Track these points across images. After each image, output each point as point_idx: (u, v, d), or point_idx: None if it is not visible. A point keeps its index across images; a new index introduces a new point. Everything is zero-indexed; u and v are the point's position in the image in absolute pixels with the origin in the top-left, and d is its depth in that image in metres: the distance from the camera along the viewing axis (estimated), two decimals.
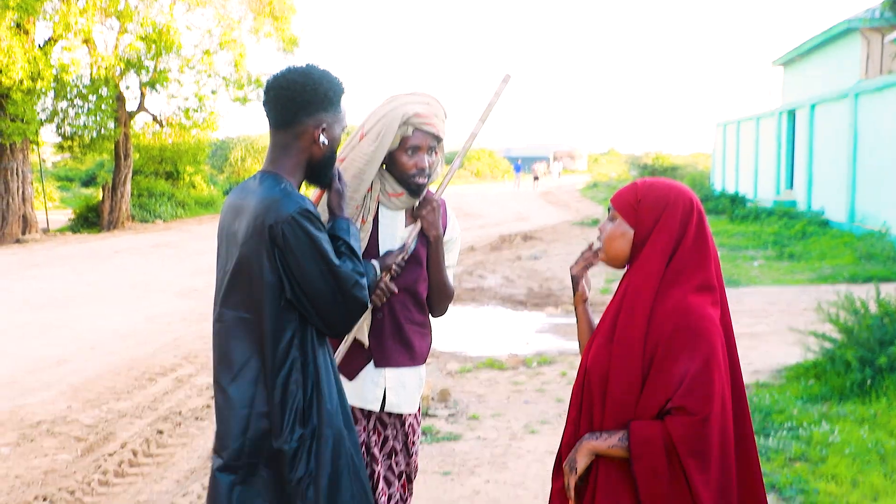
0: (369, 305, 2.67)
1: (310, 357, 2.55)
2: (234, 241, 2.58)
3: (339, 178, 2.81)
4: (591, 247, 2.71)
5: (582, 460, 2.42)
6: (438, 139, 3.13)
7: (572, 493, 2.47)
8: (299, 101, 2.58)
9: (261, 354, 2.52)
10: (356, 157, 3.04)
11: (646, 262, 2.42)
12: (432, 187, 3.27)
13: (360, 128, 3.13)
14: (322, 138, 2.61)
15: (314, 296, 2.51)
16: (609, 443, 2.38)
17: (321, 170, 2.68)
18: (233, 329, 2.57)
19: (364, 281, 2.61)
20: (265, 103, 2.66)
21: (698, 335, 2.32)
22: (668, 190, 2.46)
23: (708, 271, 2.40)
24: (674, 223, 2.41)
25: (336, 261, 2.53)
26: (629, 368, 2.36)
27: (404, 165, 3.07)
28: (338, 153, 2.64)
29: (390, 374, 3.14)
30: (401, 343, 3.15)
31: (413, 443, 3.26)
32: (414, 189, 3.11)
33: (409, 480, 3.28)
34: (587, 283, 2.76)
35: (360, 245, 2.80)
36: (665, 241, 2.40)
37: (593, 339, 2.53)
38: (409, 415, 3.23)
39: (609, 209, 2.56)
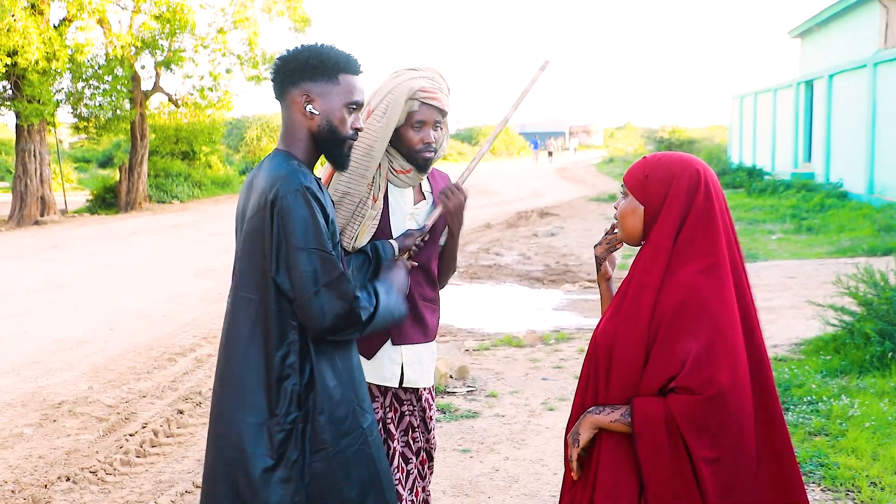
0: (358, 327, 2.54)
1: (310, 340, 2.53)
2: (243, 219, 2.60)
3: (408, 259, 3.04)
4: (613, 228, 2.70)
5: (585, 433, 2.43)
6: (444, 113, 3.13)
7: (575, 465, 2.48)
8: (284, 70, 2.62)
9: (263, 336, 2.51)
10: (365, 135, 3.04)
11: (655, 238, 2.40)
12: (458, 171, 3.28)
13: (366, 105, 3.13)
14: (309, 108, 2.59)
15: (295, 278, 2.45)
16: (611, 417, 2.37)
17: (328, 145, 2.65)
18: (238, 310, 2.57)
19: (359, 299, 2.52)
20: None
21: (703, 314, 2.29)
22: (675, 163, 2.43)
23: (718, 245, 2.35)
24: (680, 196, 2.38)
25: (327, 246, 2.48)
26: (634, 344, 2.35)
27: (411, 141, 3.07)
28: (340, 128, 2.63)
29: (406, 350, 3.16)
30: (415, 320, 3.16)
31: (430, 418, 3.28)
32: (421, 164, 3.11)
33: (430, 457, 3.30)
34: (611, 263, 2.76)
35: (390, 291, 2.72)
36: (673, 214, 2.37)
37: (605, 313, 2.53)
38: (425, 389, 3.25)
39: (622, 186, 2.55)
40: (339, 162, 2.70)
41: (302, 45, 2.65)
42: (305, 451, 2.52)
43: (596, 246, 2.77)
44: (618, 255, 2.79)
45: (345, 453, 2.56)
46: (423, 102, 3.06)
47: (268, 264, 2.48)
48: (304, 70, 2.60)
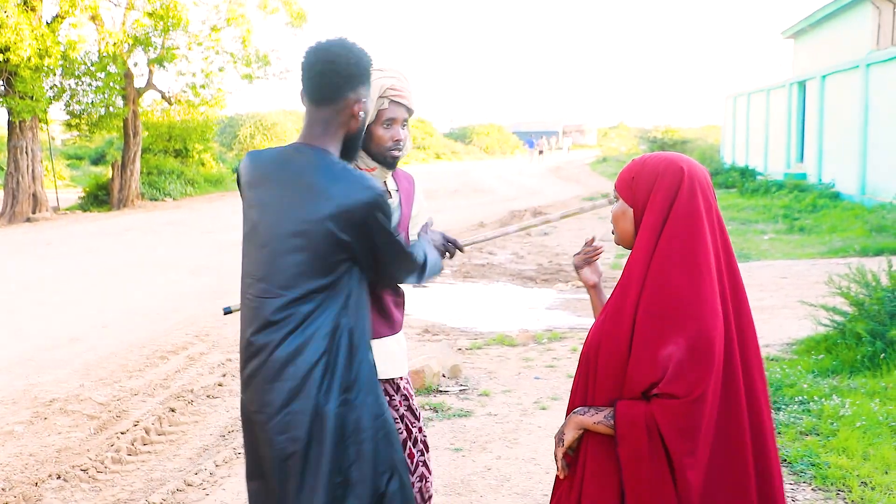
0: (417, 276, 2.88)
1: (355, 322, 2.61)
2: (292, 213, 2.57)
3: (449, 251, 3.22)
4: (591, 241, 2.79)
5: (569, 433, 2.44)
6: (410, 112, 3.16)
7: (559, 464, 2.49)
8: (344, 74, 2.60)
9: (334, 324, 2.55)
10: None
11: (639, 239, 2.40)
12: (468, 237, 3.40)
13: None
14: (361, 112, 2.65)
15: (388, 268, 2.72)
16: (595, 419, 2.38)
17: (353, 143, 2.72)
18: (296, 303, 2.57)
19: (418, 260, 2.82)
20: (308, 79, 2.64)
21: (683, 315, 2.28)
22: (659, 163, 2.42)
23: (701, 245, 2.33)
24: (661, 196, 2.37)
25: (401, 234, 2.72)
26: (617, 347, 2.35)
27: (381, 139, 3.07)
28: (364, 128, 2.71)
29: (375, 344, 3.16)
30: (381, 314, 3.17)
31: (416, 407, 3.32)
32: (390, 162, 3.12)
33: (427, 447, 3.32)
34: (594, 272, 2.81)
35: (431, 249, 3.03)
36: (655, 215, 2.37)
37: (599, 315, 2.54)
38: (402, 379, 3.28)
39: (615, 189, 2.56)
40: (353, 156, 2.78)
41: (348, 47, 2.64)
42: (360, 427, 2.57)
43: (575, 255, 2.84)
44: (608, 258, 2.83)
45: (377, 434, 2.62)
46: (392, 101, 3.07)
47: (334, 261, 2.55)
48: (363, 75, 2.64)
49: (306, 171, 2.59)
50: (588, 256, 2.78)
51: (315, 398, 2.51)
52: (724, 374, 2.36)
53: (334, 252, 2.54)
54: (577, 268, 2.82)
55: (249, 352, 2.60)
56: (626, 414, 2.31)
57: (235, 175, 2.68)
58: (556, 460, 2.49)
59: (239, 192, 2.79)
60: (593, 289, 2.79)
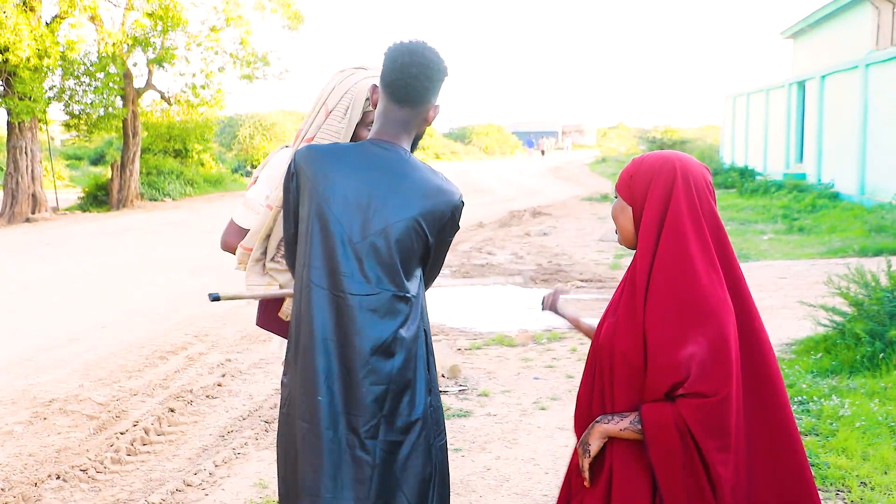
0: None
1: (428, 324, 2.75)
2: (382, 209, 2.59)
3: None
4: (553, 292, 3.04)
5: (595, 443, 2.42)
6: None
7: (587, 475, 2.46)
8: (435, 80, 2.64)
9: (410, 324, 2.63)
10: (326, 136, 3.03)
11: (641, 238, 2.40)
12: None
13: (320, 104, 3.10)
14: (434, 117, 2.69)
15: (440, 267, 2.82)
16: (621, 426, 2.36)
17: (414, 146, 2.75)
18: (385, 304, 2.59)
19: None
20: (398, 79, 2.61)
21: (697, 314, 2.28)
22: (655, 161, 2.42)
23: (704, 239, 2.34)
24: (658, 192, 2.37)
25: None
26: (632, 350, 2.34)
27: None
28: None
29: None
30: None
31: None
32: None
33: None
34: (564, 308, 2.99)
35: None
36: (653, 213, 2.37)
37: (605, 316, 2.52)
38: None
39: (615, 189, 2.57)
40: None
41: (433, 49, 2.66)
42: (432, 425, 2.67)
43: (543, 300, 3.02)
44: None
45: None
46: None
47: (418, 260, 2.64)
48: (444, 82, 2.69)
49: (393, 167, 2.62)
50: (553, 298, 2.99)
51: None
52: (749, 366, 2.37)
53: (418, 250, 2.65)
54: (551, 308, 2.98)
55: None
56: (653, 417, 2.30)
57: (291, 168, 2.59)
58: (584, 471, 2.46)
59: (290, 186, 2.71)
60: (577, 324, 2.94)
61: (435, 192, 2.59)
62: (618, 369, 2.38)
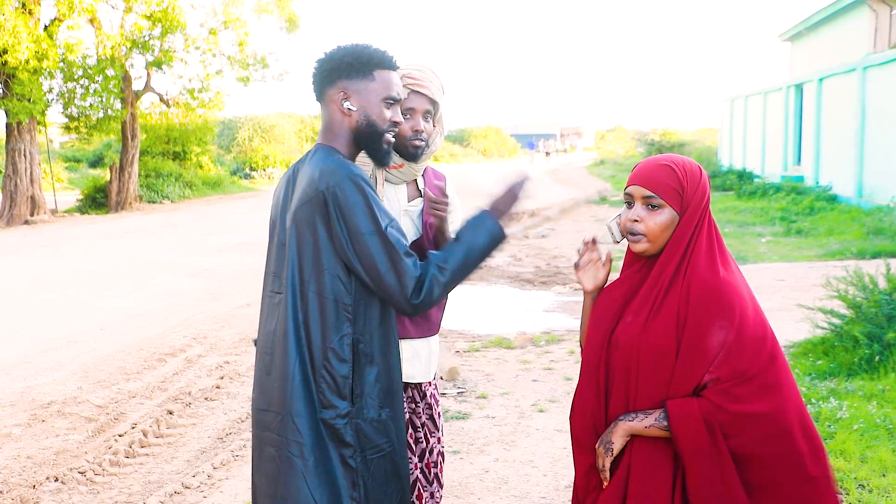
0: (438, 288, 2.55)
1: (367, 335, 2.59)
2: (286, 210, 2.63)
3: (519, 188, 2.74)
4: (593, 241, 2.70)
5: (618, 441, 2.42)
6: (434, 103, 3.11)
7: (608, 474, 2.46)
8: (322, 70, 2.68)
9: (305, 327, 2.55)
10: None
11: (676, 238, 2.42)
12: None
13: None
14: (346, 104, 2.64)
15: (367, 262, 2.50)
16: (646, 423, 2.37)
17: (367, 140, 2.68)
18: (286, 302, 2.59)
19: (430, 262, 2.57)
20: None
21: (729, 308, 2.32)
22: (691, 165, 2.48)
23: (721, 243, 2.42)
24: (703, 197, 2.44)
25: (390, 224, 2.52)
26: (664, 346, 2.36)
27: (400, 129, 3.00)
28: (378, 122, 2.66)
29: (404, 345, 3.11)
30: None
31: (439, 414, 3.27)
32: (412, 153, 3.07)
33: (443, 458, 3.31)
34: (594, 277, 2.66)
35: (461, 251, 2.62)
36: (694, 213, 2.42)
37: (619, 314, 2.50)
38: (429, 385, 3.24)
39: (634, 196, 2.47)
40: (379, 157, 2.72)
41: (338, 46, 2.70)
42: (360, 446, 2.59)
43: (576, 266, 2.69)
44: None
45: (384, 453, 2.64)
46: (411, 90, 3.05)
47: (324, 255, 2.53)
48: (340, 69, 2.65)
49: (301, 167, 2.66)
50: (592, 260, 2.66)
51: None
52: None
53: None
54: (579, 268, 2.67)
55: None
56: (680, 412, 2.32)
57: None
58: (604, 470, 2.45)
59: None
60: (589, 294, 2.66)
61: (317, 178, 2.55)
62: (644, 366, 2.39)
